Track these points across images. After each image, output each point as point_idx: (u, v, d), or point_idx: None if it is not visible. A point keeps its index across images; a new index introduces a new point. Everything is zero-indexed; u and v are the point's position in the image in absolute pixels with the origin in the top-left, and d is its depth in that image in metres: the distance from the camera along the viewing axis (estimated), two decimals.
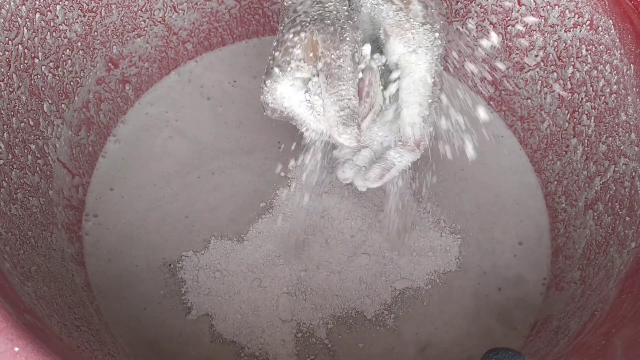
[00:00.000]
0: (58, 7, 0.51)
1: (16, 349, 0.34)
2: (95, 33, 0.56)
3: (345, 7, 0.45)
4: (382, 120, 0.48)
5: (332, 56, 0.43)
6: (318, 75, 0.44)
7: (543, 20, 0.55)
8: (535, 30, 0.56)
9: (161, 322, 0.55)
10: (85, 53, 0.56)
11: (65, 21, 0.52)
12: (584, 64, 0.53)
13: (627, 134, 0.50)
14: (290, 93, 0.46)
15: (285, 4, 0.47)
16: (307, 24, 0.44)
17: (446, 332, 0.56)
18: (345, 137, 0.44)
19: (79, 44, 0.55)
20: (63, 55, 0.54)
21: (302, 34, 0.44)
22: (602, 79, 0.51)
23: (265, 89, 0.46)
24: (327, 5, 0.45)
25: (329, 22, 0.44)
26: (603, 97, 0.52)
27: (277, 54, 0.45)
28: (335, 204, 0.59)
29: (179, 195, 0.60)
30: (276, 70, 0.45)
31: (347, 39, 0.43)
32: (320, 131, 0.47)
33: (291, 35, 0.44)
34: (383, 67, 0.48)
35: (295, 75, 0.45)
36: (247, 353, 0.54)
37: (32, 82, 0.51)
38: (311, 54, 0.44)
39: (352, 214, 0.59)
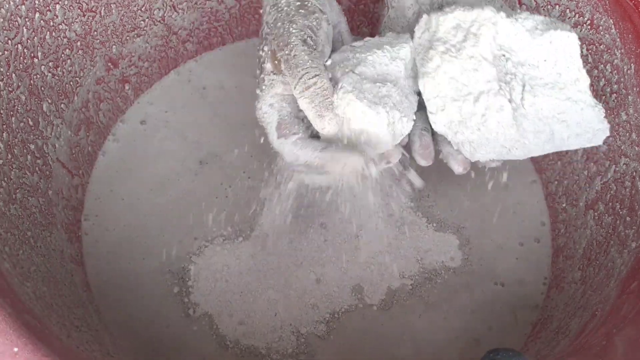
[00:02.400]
0: (57, 6, 0.51)
1: (15, 349, 0.34)
2: (95, 33, 0.56)
3: (298, 1, 0.44)
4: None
5: (286, 52, 0.42)
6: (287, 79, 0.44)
7: None
8: None
9: (161, 322, 0.55)
10: (84, 53, 0.56)
11: (64, 21, 0.52)
12: (585, 64, 0.53)
13: (627, 134, 0.50)
14: (267, 116, 0.45)
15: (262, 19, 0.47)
16: (268, 35, 0.44)
17: (446, 332, 0.56)
18: (325, 129, 0.42)
19: (79, 43, 0.55)
20: (62, 55, 0.54)
21: (266, 47, 0.44)
22: (603, 79, 0.51)
23: (256, 110, 0.46)
24: (279, 5, 0.44)
25: (280, 24, 0.43)
26: (604, 96, 0.52)
27: (257, 72, 0.45)
28: (333, 200, 0.59)
29: (178, 195, 0.60)
30: (257, 91, 0.45)
31: (294, 30, 0.42)
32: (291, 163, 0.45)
33: (261, 52, 0.45)
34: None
35: (271, 92, 0.44)
36: (247, 352, 0.54)
37: (32, 81, 0.50)
38: (275, 62, 0.44)
39: (353, 210, 0.59)
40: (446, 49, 0.43)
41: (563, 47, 0.42)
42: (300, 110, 0.44)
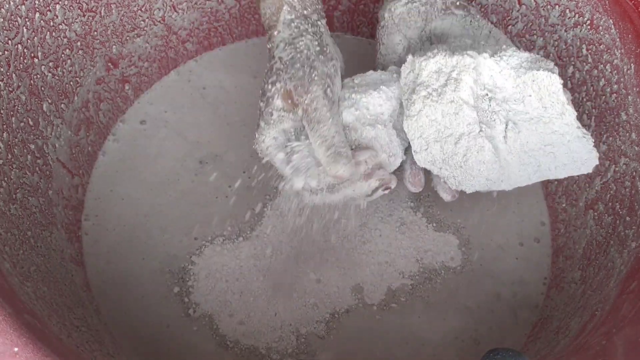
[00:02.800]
0: (58, 6, 0.51)
1: (15, 349, 0.34)
2: (95, 33, 0.56)
3: (317, 42, 0.45)
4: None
5: (306, 101, 0.43)
6: (302, 121, 0.45)
7: (543, 19, 0.55)
8: (535, 31, 0.56)
9: (161, 322, 0.55)
10: (84, 53, 0.56)
11: (64, 21, 0.52)
12: (585, 64, 0.53)
13: (627, 134, 0.50)
14: (272, 149, 0.46)
15: (268, 46, 0.47)
16: (281, 72, 0.44)
17: (445, 332, 0.56)
18: (338, 173, 0.44)
19: (79, 43, 0.55)
20: (62, 55, 0.54)
21: (278, 84, 0.44)
22: (603, 79, 0.51)
23: (255, 140, 0.46)
24: (298, 45, 0.45)
25: (298, 65, 0.44)
26: (603, 96, 0.52)
27: (261, 104, 0.45)
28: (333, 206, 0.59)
29: (178, 195, 0.60)
30: (261, 123, 0.45)
31: (316, 78, 0.43)
32: (296, 191, 0.47)
33: (270, 86, 0.45)
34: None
35: (279, 127, 0.45)
36: (248, 352, 0.54)
37: (32, 81, 0.50)
38: (290, 102, 0.44)
39: (353, 210, 0.59)
40: (428, 93, 0.45)
41: (546, 86, 0.44)
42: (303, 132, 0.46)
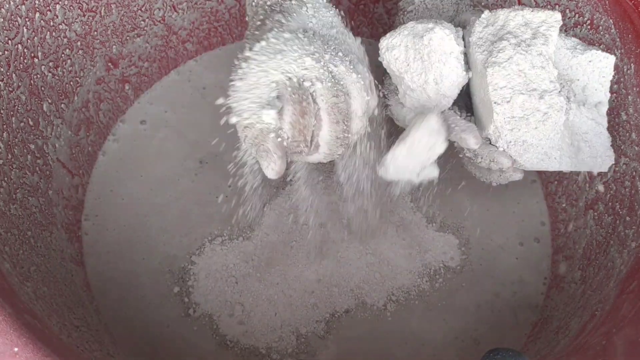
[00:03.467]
0: (58, 6, 0.51)
1: (15, 349, 0.34)
2: (95, 33, 0.56)
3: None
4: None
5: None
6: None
7: None
8: None
9: (161, 322, 0.55)
10: (84, 53, 0.56)
11: (64, 21, 0.52)
12: None
13: (627, 134, 0.50)
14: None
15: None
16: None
17: (445, 332, 0.56)
18: (268, 174, 0.40)
19: (79, 43, 0.55)
20: (63, 55, 0.54)
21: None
22: None
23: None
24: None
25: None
26: None
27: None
28: (333, 204, 0.59)
29: (178, 195, 0.60)
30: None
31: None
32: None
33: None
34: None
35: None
36: (247, 352, 0.54)
37: (32, 81, 0.50)
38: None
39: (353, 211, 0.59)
40: (518, 42, 0.44)
41: (599, 68, 0.44)
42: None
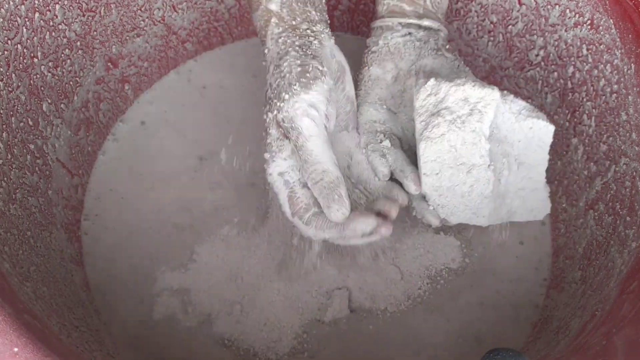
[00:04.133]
0: (57, 6, 0.51)
1: (15, 349, 0.34)
2: (95, 32, 0.56)
3: (300, 61, 0.43)
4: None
5: (293, 137, 0.42)
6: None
7: (544, 19, 0.55)
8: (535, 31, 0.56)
9: (161, 322, 0.55)
10: (84, 53, 0.56)
11: (64, 21, 0.52)
12: (585, 64, 0.53)
13: (628, 134, 0.50)
14: (279, 184, 0.44)
15: (263, 63, 0.46)
16: (272, 100, 0.44)
17: (446, 332, 0.56)
18: (332, 219, 0.41)
19: (78, 43, 0.55)
20: (62, 55, 0.53)
21: (270, 114, 0.44)
22: (603, 79, 0.51)
23: (266, 174, 0.45)
24: (282, 68, 0.44)
25: (283, 93, 0.43)
26: (604, 96, 0.52)
27: (264, 134, 0.45)
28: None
29: (178, 195, 0.60)
30: (265, 155, 0.44)
31: (298, 109, 0.42)
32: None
33: (265, 115, 0.44)
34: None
35: (280, 157, 0.43)
36: (247, 352, 0.54)
37: (31, 81, 0.50)
38: (281, 130, 0.43)
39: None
40: (453, 119, 0.46)
41: (539, 135, 0.48)
42: None
